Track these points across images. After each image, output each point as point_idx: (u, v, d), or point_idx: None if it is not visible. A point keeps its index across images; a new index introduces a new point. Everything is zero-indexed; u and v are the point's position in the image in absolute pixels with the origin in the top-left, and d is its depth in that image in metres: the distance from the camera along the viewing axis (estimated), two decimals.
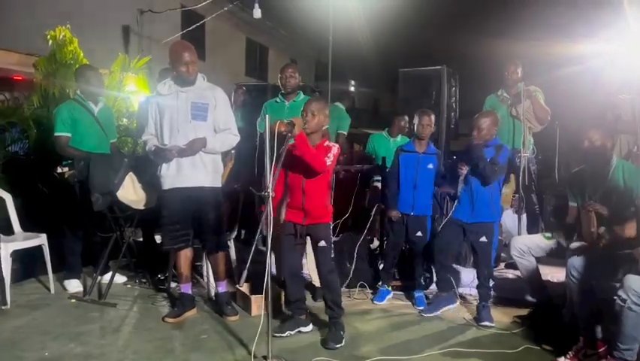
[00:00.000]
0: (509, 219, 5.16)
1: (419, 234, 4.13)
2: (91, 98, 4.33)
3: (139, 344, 3.24)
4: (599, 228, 3.07)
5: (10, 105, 6.60)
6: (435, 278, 4.23)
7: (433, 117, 4.17)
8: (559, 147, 5.37)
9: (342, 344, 3.21)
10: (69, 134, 4.17)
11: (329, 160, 3.18)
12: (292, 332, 3.38)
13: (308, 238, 3.42)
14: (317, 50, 17.89)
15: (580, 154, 3.45)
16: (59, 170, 4.06)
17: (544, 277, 3.94)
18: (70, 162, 4.12)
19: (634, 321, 2.64)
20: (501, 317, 3.81)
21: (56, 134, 4.16)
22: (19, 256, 4.03)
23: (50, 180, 4.32)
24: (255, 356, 2.93)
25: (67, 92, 5.33)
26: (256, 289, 3.76)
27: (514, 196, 4.97)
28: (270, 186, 2.86)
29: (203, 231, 3.70)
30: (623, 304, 2.64)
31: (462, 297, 4.25)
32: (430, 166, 4.12)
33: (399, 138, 5.67)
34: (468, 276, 4.33)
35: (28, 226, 4.27)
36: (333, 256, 3.40)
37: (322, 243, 3.31)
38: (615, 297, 2.68)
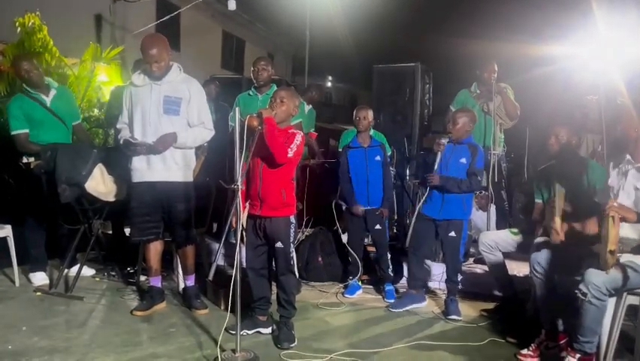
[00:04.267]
0: (477, 215, 5.24)
1: (378, 227, 4.19)
2: (40, 90, 4.12)
3: (106, 338, 3.20)
4: (563, 224, 3.15)
5: None
6: (406, 273, 4.28)
7: (370, 112, 4.21)
8: (529, 146, 5.48)
9: (296, 343, 3.17)
10: (26, 130, 4.01)
11: (291, 152, 3.08)
12: (249, 332, 3.26)
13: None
14: (294, 45, 17.83)
15: (547, 151, 3.54)
16: (25, 160, 3.96)
17: (510, 272, 4.02)
18: None
19: (594, 314, 2.72)
20: (468, 310, 3.88)
21: (12, 132, 4.01)
22: None
23: (16, 171, 4.21)
24: (222, 350, 2.92)
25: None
26: (227, 282, 3.74)
27: (480, 193, 5.05)
28: (239, 179, 2.84)
29: (173, 224, 3.66)
30: (583, 297, 2.71)
31: (431, 291, 4.31)
32: (378, 158, 4.19)
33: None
34: (437, 271, 4.40)
35: None
36: (292, 255, 3.27)
37: (279, 244, 3.19)
38: (576, 291, 2.75)
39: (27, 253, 4.21)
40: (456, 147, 3.86)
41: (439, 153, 3.82)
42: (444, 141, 3.79)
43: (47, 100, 4.15)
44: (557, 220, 3.03)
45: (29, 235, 4.21)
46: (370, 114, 4.21)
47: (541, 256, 3.10)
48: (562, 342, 3.04)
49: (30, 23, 5.81)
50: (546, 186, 3.58)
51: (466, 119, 3.83)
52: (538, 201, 3.72)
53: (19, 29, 5.81)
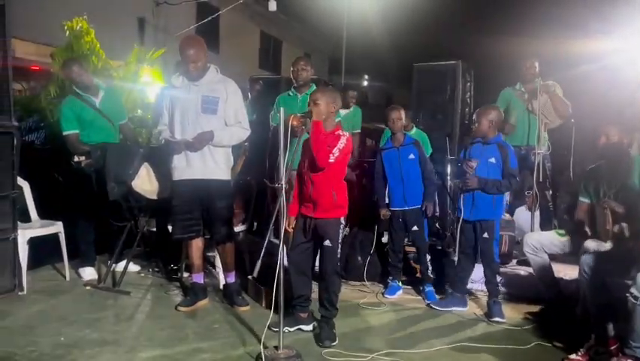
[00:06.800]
0: (522, 216, 5.12)
1: (415, 228, 4.15)
2: (89, 91, 4.30)
3: (152, 332, 3.30)
4: (614, 225, 3.05)
5: (28, 95, 6.69)
6: (449, 275, 4.23)
7: (402, 112, 4.18)
8: (574, 145, 5.31)
9: (337, 341, 3.18)
10: (77, 131, 4.19)
11: (332, 157, 3.09)
12: (291, 329, 3.30)
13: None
14: (331, 45, 17.86)
15: (597, 151, 3.44)
16: (76, 159, 4.11)
17: (556, 275, 3.92)
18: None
19: None
20: (512, 313, 3.80)
21: (64, 133, 4.19)
22: (35, 243, 4.09)
23: (66, 169, 4.37)
24: (265, 346, 2.95)
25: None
26: (268, 280, 3.78)
27: (528, 193, 4.94)
28: (284, 178, 2.87)
29: (212, 222, 3.73)
30: (635, 301, 2.63)
31: (471, 293, 4.24)
32: (412, 156, 4.15)
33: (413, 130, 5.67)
34: (478, 272, 4.31)
35: (45, 214, 4.35)
36: (339, 256, 3.31)
37: (327, 243, 3.22)
38: (628, 294, 2.66)
39: (77, 248, 4.38)
40: (485, 147, 3.79)
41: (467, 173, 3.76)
42: (474, 164, 3.73)
43: (97, 101, 4.32)
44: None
45: (80, 231, 4.38)
46: (403, 114, 4.18)
47: (592, 259, 3.01)
48: (612, 348, 2.93)
49: (78, 27, 5.99)
50: (595, 187, 3.47)
51: (486, 117, 3.75)
52: (584, 200, 3.60)
53: (67, 33, 6.00)
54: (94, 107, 4.28)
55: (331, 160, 3.10)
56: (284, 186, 2.86)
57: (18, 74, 6.04)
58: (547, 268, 3.77)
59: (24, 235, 3.87)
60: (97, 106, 4.30)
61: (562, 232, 3.77)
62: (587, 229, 3.57)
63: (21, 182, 4.15)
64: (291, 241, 3.30)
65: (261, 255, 2.85)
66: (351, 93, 5.59)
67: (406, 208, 4.17)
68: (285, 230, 3.06)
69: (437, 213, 5.18)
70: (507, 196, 4.73)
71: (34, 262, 4.26)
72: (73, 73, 4.24)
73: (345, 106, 5.38)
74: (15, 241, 3.78)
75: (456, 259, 3.99)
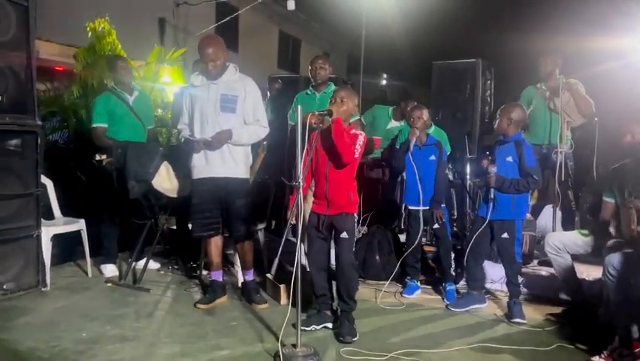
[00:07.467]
0: (545, 215, 5.04)
1: (436, 226, 4.13)
2: (125, 89, 4.42)
3: (172, 329, 3.33)
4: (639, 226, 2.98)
5: (51, 95, 6.83)
6: (465, 275, 4.19)
7: (425, 111, 4.14)
8: (597, 144, 5.22)
9: (357, 337, 3.19)
10: (105, 125, 4.29)
11: (357, 153, 3.14)
12: (318, 327, 3.33)
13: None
14: (349, 43, 17.84)
15: (620, 149, 3.37)
16: (98, 157, 4.18)
17: (579, 275, 3.85)
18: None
19: None
20: (533, 314, 3.74)
21: (93, 125, 4.31)
22: (58, 241, 4.17)
23: (89, 168, 4.45)
24: (283, 344, 2.96)
25: (105, 83, 5.46)
26: (285, 278, 3.78)
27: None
28: (301, 176, 2.88)
29: (231, 220, 3.75)
30: None
31: (491, 293, 4.19)
32: (432, 158, 4.11)
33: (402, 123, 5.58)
34: (498, 272, 4.26)
35: (68, 211, 4.42)
36: (354, 249, 3.34)
37: (344, 234, 3.25)
38: None
39: (99, 245, 4.45)
40: (503, 146, 3.75)
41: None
42: (493, 168, 3.68)
43: (130, 99, 4.43)
44: None
45: (105, 229, 4.46)
46: (425, 113, 4.15)
47: (616, 260, 2.95)
48: (637, 350, 2.86)
49: (100, 28, 6.09)
50: (620, 187, 3.40)
51: (507, 115, 3.70)
52: (609, 200, 3.52)
53: (90, 34, 6.10)
54: (127, 105, 4.39)
55: (356, 156, 3.16)
56: (301, 184, 2.87)
57: (42, 75, 6.17)
58: (569, 269, 3.70)
59: (47, 232, 3.94)
60: (130, 103, 4.40)
61: (585, 231, 3.70)
62: (612, 229, 3.51)
63: (45, 180, 4.22)
64: (307, 239, 3.32)
65: (279, 253, 2.86)
66: (411, 105, 5.46)
67: (421, 208, 4.12)
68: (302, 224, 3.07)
69: (455, 216, 5.14)
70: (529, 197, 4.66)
71: (57, 259, 4.35)
72: (118, 68, 4.39)
73: (402, 117, 5.30)
74: (39, 238, 3.85)
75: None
